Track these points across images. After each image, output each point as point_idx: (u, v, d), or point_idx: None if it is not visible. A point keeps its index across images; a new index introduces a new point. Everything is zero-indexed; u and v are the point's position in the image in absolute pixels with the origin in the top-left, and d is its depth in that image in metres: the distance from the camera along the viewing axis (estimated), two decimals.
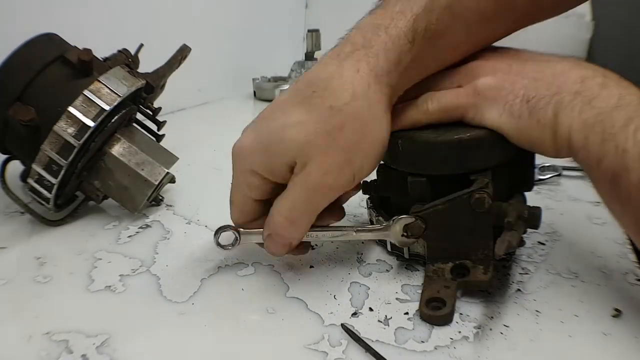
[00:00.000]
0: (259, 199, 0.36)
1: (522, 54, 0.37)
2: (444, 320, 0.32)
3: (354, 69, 0.33)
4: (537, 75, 0.34)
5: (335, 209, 0.38)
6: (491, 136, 0.34)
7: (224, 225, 0.37)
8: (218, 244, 0.37)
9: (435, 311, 0.32)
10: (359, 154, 0.33)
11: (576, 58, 0.35)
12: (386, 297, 0.35)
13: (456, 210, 0.34)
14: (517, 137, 0.34)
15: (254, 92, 1.13)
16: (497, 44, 0.38)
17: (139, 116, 0.53)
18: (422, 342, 0.31)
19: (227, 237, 0.37)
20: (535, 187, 0.55)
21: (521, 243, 0.39)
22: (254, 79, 1.13)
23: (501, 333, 0.31)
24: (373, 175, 0.39)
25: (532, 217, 0.35)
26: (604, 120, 0.30)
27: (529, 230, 0.41)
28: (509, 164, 0.36)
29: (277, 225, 0.35)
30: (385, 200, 0.43)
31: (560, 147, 0.32)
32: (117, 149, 0.47)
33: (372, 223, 0.42)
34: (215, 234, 0.37)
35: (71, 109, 0.42)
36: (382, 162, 0.40)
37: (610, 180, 0.29)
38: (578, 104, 0.31)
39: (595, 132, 0.30)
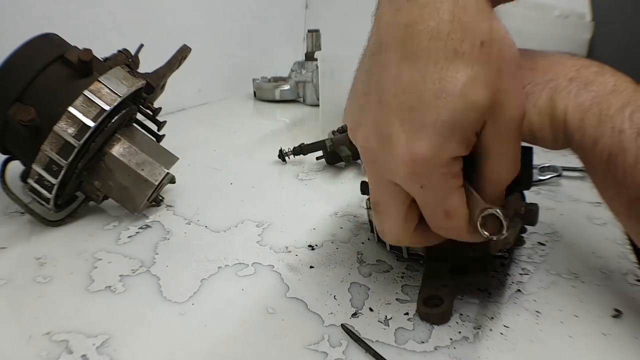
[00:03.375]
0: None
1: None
2: (442, 318, 0.32)
3: None
4: (533, 65, 0.34)
5: None
6: None
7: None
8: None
9: (432, 309, 0.32)
10: (517, 64, 0.30)
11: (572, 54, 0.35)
12: (386, 298, 0.35)
13: None
14: None
15: (254, 92, 1.13)
16: None
17: (139, 116, 0.53)
18: (422, 342, 0.31)
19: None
20: (535, 188, 0.55)
21: (520, 242, 0.39)
22: (254, 79, 1.13)
23: (501, 333, 0.31)
24: None
25: (529, 214, 0.34)
26: (601, 102, 0.30)
27: (529, 230, 0.42)
28: None
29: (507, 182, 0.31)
30: None
31: (557, 132, 0.32)
32: (117, 149, 0.47)
33: (371, 223, 0.43)
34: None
35: (71, 109, 0.42)
36: None
37: (605, 161, 0.29)
38: (574, 88, 0.31)
39: (591, 113, 0.30)
